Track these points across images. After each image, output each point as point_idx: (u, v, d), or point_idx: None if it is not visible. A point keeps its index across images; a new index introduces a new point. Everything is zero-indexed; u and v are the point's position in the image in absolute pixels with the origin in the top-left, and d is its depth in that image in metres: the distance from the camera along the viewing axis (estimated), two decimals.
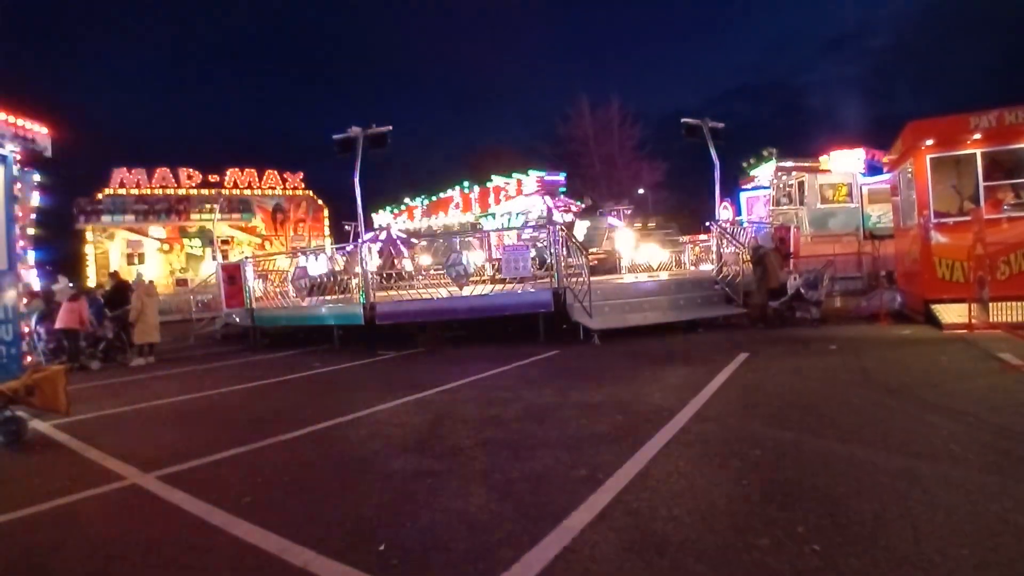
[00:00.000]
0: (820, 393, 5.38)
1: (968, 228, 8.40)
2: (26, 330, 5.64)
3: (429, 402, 5.98)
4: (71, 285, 12.98)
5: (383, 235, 18.61)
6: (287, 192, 32.43)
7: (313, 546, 2.77)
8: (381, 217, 24.38)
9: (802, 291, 10.56)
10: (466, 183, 22.60)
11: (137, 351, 11.36)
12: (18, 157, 6.11)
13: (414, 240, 17.08)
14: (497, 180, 21.46)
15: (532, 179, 20.32)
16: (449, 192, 22.77)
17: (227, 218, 29.10)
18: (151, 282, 14.05)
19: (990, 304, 7.95)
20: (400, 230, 22.49)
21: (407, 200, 24.72)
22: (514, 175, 20.89)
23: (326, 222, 33.14)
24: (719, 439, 4.09)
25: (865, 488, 3.10)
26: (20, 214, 6.08)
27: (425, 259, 15.75)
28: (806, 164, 17.37)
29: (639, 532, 2.74)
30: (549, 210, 19.50)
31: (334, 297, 12.90)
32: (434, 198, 23.49)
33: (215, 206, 26.12)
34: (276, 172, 32.20)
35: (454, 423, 5.04)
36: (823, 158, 17.65)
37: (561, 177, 21.36)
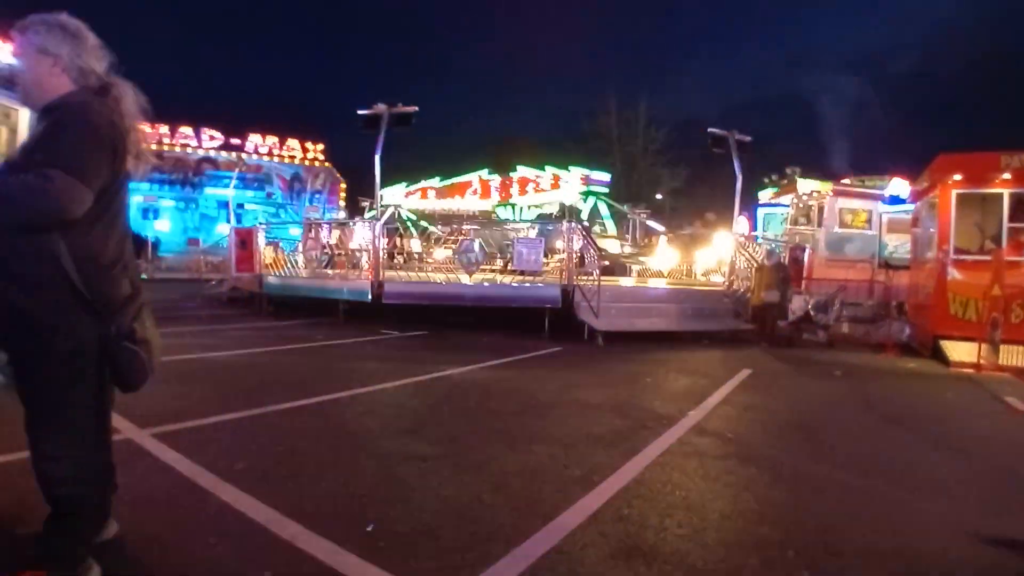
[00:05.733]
0: (821, 417, 5.34)
1: (987, 267, 8.30)
2: None
3: (429, 386, 5.97)
4: None
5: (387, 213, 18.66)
6: (307, 162, 32.43)
7: (301, 520, 2.76)
8: (392, 193, 23.89)
9: (811, 313, 10.49)
10: (486, 170, 22.47)
11: None
12: None
13: (424, 223, 17.07)
14: (525, 171, 21.32)
15: (575, 175, 20.13)
16: (467, 177, 22.55)
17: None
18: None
19: (1001, 346, 7.87)
20: (410, 210, 22.46)
21: (423, 181, 24.66)
22: (548, 168, 20.71)
23: (342, 195, 33.17)
24: (716, 454, 4.07)
25: (860, 517, 3.07)
26: None
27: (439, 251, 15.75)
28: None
29: (629, 539, 2.72)
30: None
31: (343, 272, 12.92)
32: (450, 181, 23.34)
33: (233, 174, 26.20)
34: (298, 140, 32.19)
35: (452, 409, 5.04)
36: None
37: (607, 176, 21.27)
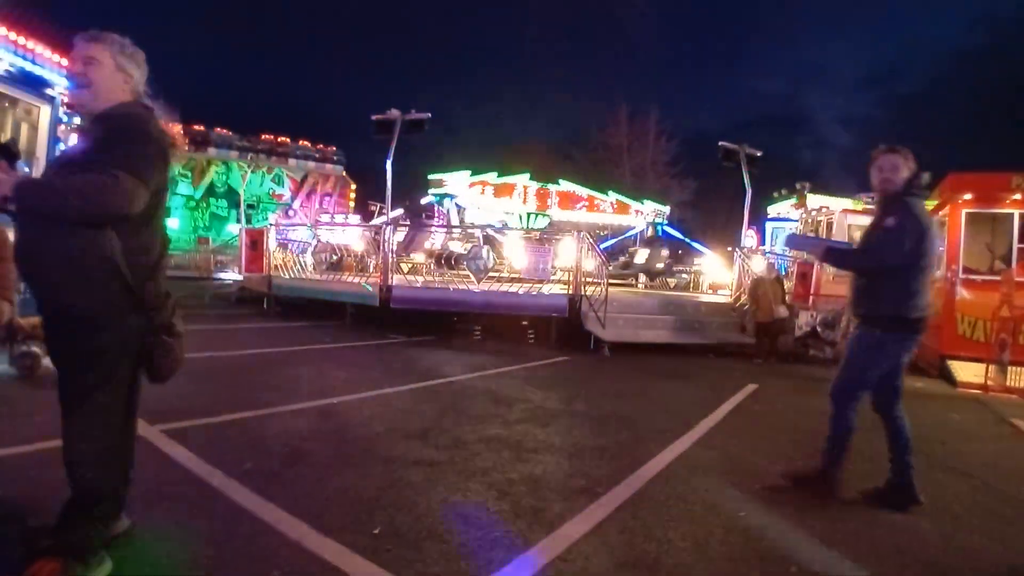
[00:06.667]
0: (825, 434, 5.33)
1: (996, 288, 8.28)
2: None
3: (435, 391, 6.01)
4: None
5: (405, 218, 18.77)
6: (318, 164, 32.60)
7: (309, 521, 2.80)
8: (455, 179, 23.23)
9: (818, 329, 10.48)
10: (527, 174, 22.30)
11: None
12: (65, 99, 6.21)
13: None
14: (571, 187, 21.89)
15: (648, 207, 21.54)
16: (513, 179, 22.23)
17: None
18: None
19: (1009, 368, 7.84)
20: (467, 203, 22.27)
21: (484, 174, 24.37)
22: (612, 192, 21.76)
23: (351, 198, 33.31)
24: (720, 468, 4.08)
25: (863, 537, 3.08)
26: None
27: (456, 246, 15.81)
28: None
29: (632, 551, 2.74)
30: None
31: (351, 275, 12.99)
32: (502, 180, 23.07)
33: (247, 170, 26.37)
34: (309, 142, 32.38)
35: (458, 416, 5.07)
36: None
37: (667, 209, 22.73)
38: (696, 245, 22.04)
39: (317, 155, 32.31)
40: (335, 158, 32.59)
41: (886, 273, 3.40)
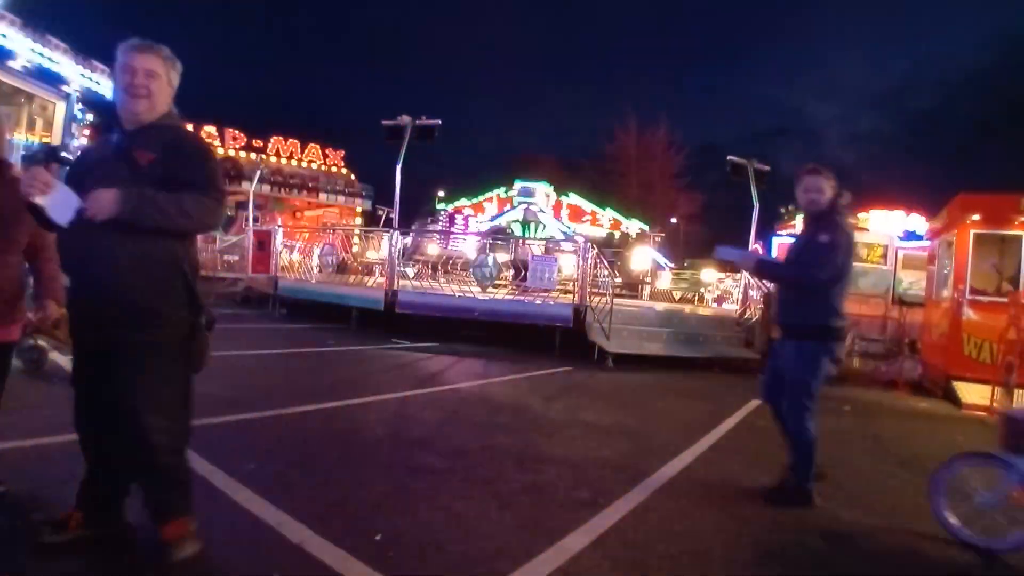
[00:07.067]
0: (829, 454, 5.27)
1: (1003, 310, 8.23)
2: None
3: (439, 398, 6.00)
4: None
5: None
6: (326, 168, 32.63)
7: (311, 525, 2.79)
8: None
9: None
10: (503, 189, 22.86)
11: None
12: (79, 97, 6.26)
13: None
14: (580, 201, 22.43)
15: (635, 225, 22.10)
16: (489, 194, 23.03)
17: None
18: None
19: (1015, 390, 7.78)
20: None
21: (464, 199, 24.92)
22: (609, 209, 22.60)
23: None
24: (723, 484, 4.05)
25: (866, 559, 3.06)
26: (76, 150, 6.20)
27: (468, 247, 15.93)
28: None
29: (635, 565, 2.73)
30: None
31: (357, 279, 13.02)
32: (477, 199, 23.82)
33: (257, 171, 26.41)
34: (318, 147, 32.43)
35: (461, 423, 5.06)
36: (861, 215, 17.49)
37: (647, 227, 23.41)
38: (661, 260, 22.79)
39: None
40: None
41: (814, 286, 3.59)
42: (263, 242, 13.47)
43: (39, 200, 2.10)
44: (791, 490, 3.70)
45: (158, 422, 2.26)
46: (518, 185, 21.72)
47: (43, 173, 2.14)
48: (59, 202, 2.11)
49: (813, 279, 3.59)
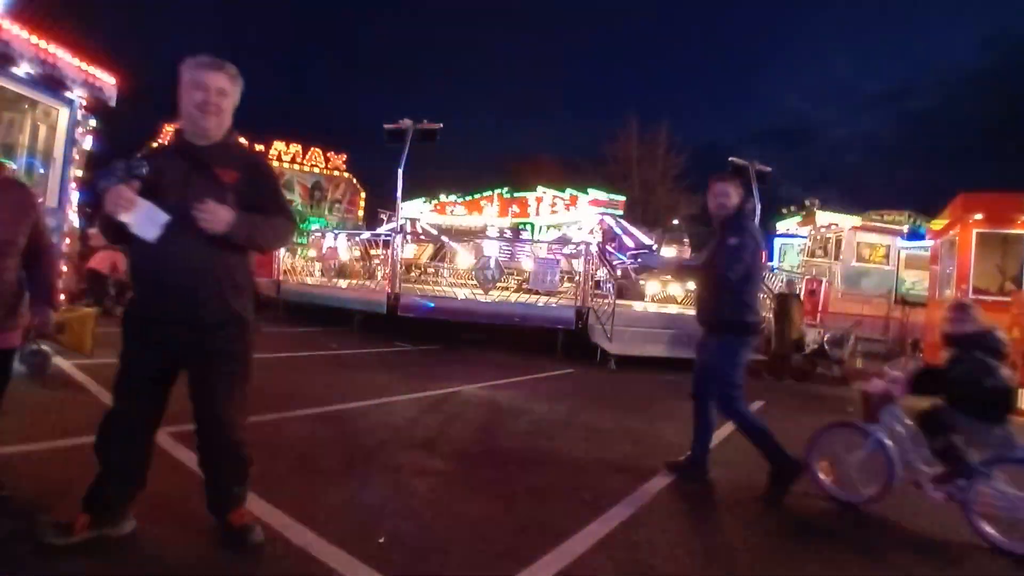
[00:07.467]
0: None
1: (1006, 309, 8.21)
2: (64, 269, 5.76)
3: (441, 401, 6.01)
4: None
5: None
6: (328, 171, 32.68)
7: (315, 528, 2.80)
8: (411, 207, 24.10)
9: (826, 347, 10.42)
10: (505, 189, 22.74)
11: None
12: (84, 103, 6.27)
13: (444, 238, 17.24)
14: (545, 191, 21.81)
15: (590, 196, 21.06)
16: (488, 193, 22.88)
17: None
18: None
19: (1019, 391, 7.76)
20: (430, 224, 22.71)
21: (442, 196, 24.92)
22: (569, 191, 21.38)
23: (361, 205, 33.36)
24: (726, 486, 4.05)
25: (868, 564, 3.06)
26: (76, 157, 6.21)
27: (465, 256, 15.83)
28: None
29: (638, 566, 2.73)
30: (610, 233, 19.50)
31: (359, 282, 13.03)
32: (469, 197, 23.66)
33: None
34: (320, 150, 32.46)
35: (464, 426, 5.07)
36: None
37: (622, 198, 22.04)
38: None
39: (328, 162, 32.32)
40: (345, 166, 32.65)
41: (726, 285, 3.89)
42: None
43: (124, 218, 2.13)
44: (786, 472, 3.85)
45: (242, 419, 2.57)
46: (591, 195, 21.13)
47: (126, 191, 2.18)
48: (144, 219, 2.16)
49: (724, 279, 3.88)
